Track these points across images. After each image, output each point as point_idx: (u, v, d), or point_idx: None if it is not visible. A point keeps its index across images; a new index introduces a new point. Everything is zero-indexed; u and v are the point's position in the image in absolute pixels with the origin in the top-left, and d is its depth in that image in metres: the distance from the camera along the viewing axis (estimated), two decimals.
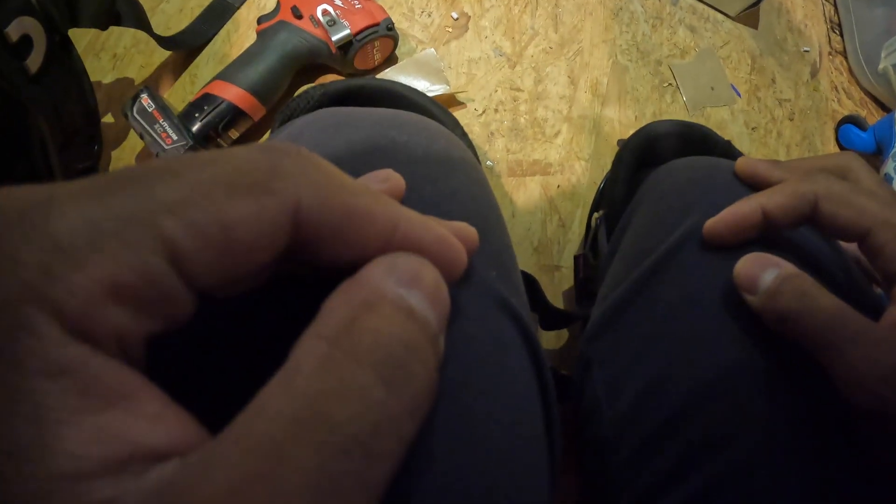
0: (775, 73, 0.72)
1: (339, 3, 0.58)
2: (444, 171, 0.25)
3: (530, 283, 0.50)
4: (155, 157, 0.54)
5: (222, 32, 0.65)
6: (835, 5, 0.83)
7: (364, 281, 0.13)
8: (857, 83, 0.78)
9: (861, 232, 0.23)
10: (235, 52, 0.63)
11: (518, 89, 0.62)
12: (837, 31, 0.83)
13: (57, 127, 0.50)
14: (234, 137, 0.57)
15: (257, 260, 0.13)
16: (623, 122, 0.63)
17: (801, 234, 0.27)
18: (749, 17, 0.74)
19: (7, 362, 0.10)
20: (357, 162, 0.22)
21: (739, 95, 0.69)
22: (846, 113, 0.75)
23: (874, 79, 0.75)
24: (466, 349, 0.19)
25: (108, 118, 0.59)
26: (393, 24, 0.59)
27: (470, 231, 0.18)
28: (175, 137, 0.52)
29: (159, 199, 0.11)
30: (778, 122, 0.69)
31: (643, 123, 0.61)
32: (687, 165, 0.34)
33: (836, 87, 0.76)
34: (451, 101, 0.60)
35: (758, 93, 0.70)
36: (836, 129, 0.72)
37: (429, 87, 0.60)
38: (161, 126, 0.52)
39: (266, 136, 0.60)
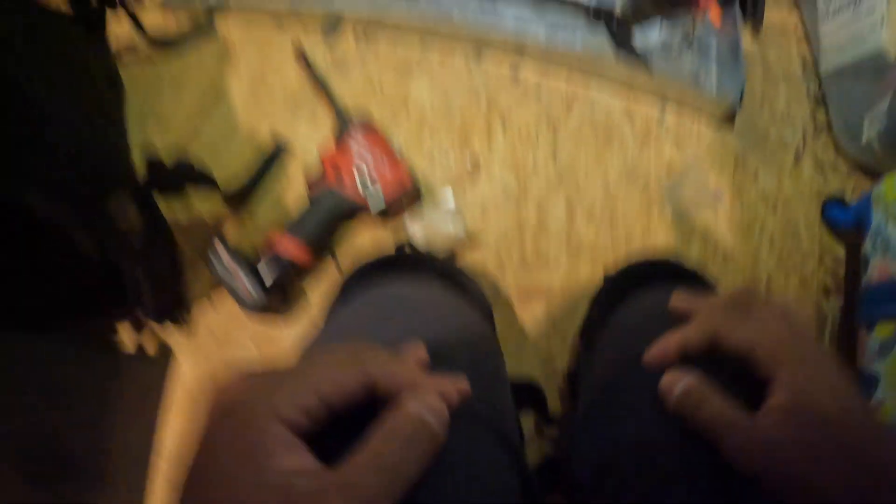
0: (758, 168, 0.81)
1: (373, 172, 0.72)
2: (450, 330, 0.41)
3: (537, 392, 0.64)
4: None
5: (274, 180, 0.80)
6: (819, 81, 0.90)
7: (403, 407, 0.28)
8: (844, 156, 0.85)
9: (743, 353, 0.33)
10: (286, 193, 0.78)
11: (524, 226, 0.75)
12: (823, 107, 0.89)
13: (151, 275, 0.64)
14: (294, 278, 0.72)
15: (355, 394, 0.28)
16: (615, 245, 0.74)
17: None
18: (731, 117, 0.82)
19: (261, 432, 0.25)
20: (400, 338, 0.37)
21: (723, 199, 0.79)
22: (833, 189, 0.83)
23: (859, 151, 0.81)
24: (454, 455, 0.31)
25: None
26: (418, 186, 0.72)
27: (462, 384, 0.32)
28: (251, 289, 0.67)
29: (316, 375, 0.28)
30: (761, 217, 0.78)
31: (632, 244, 0.73)
32: (646, 302, 0.47)
33: (821, 166, 0.84)
34: (469, 240, 0.73)
35: (741, 192, 0.79)
36: (821, 210, 0.81)
37: (450, 229, 0.73)
38: (238, 274, 0.68)
39: (320, 272, 0.75)
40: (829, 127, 0.86)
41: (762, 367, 0.32)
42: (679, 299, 0.41)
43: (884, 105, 0.76)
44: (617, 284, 0.56)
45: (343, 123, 0.76)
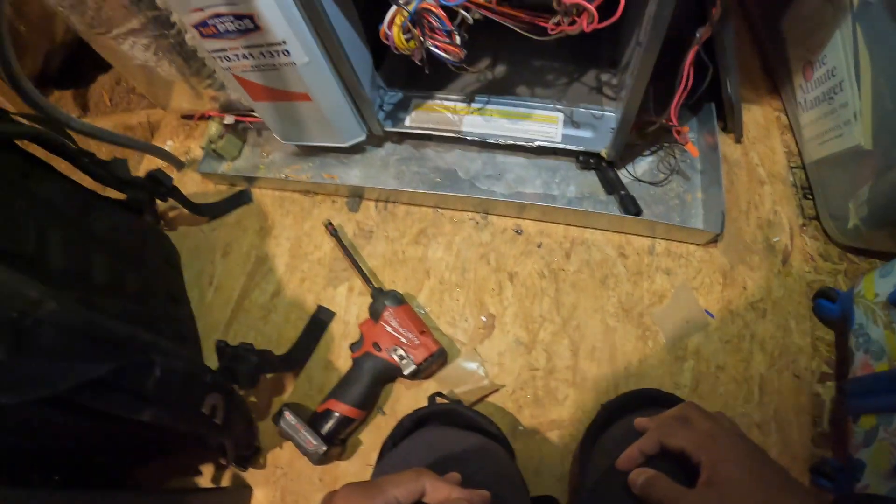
0: (746, 278, 0.90)
1: (405, 341, 0.88)
2: (479, 464, 0.57)
3: (553, 501, 0.80)
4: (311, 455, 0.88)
5: (322, 343, 0.96)
6: (804, 171, 0.96)
7: None
8: (834, 242, 0.90)
9: (679, 450, 0.47)
10: (334, 359, 0.94)
11: (535, 369, 0.88)
12: (810, 197, 0.95)
13: (232, 438, 0.80)
14: (349, 433, 0.89)
15: (415, 499, 0.44)
16: (615, 375, 0.86)
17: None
18: (717, 239, 0.91)
19: None
20: (444, 470, 0.50)
21: (713, 317, 0.88)
22: (825, 277, 0.90)
23: (848, 236, 0.86)
24: None
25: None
26: (443, 350, 0.87)
27: (485, 496, 0.47)
28: (314, 443, 0.83)
29: (394, 485, 0.44)
30: (751, 326, 0.87)
31: (631, 371, 0.85)
32: (618, 430, 0.62)
33: (811, 257, 0.91)
34: (491, 388, 0.88)
35: (730, 306, 0.89)
36: (812, 303, 0.88)
37: (474, 380, 0.88)
38: (303, 435, 0.84)
39: (369, 422, 0.91)
40: (817, 216, 0.93)
41: (693, 457, 0.46)
42: (638, 421, 0.54)
43: (865, 192, 0.81)
44: (607, 413, 0.70)
45: (376, 297, 0.92)
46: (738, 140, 0.99)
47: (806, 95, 0.96)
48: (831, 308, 0.84)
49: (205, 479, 0.91)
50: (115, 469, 0.81)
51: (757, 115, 1.03)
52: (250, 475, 0.91)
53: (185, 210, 1.06)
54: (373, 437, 0.90)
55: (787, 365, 0.85)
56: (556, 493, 0.81)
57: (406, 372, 0.87)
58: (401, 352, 0.87)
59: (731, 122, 0.98)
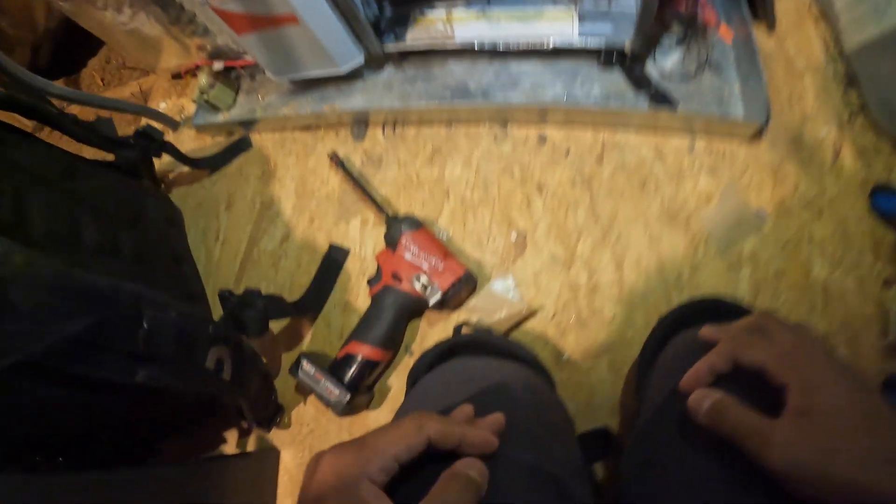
0: (797, 176, 0.80)
1: (427, 268, 0.77)
2: (506, 393, 0.48)
3: (606, 436, 0.71)
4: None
5: (339, 283, 0.86)
6: (846, 60, 0.88)
7: (454, 467, 0.36)
8: (886, 133, 0.82)
9: (758, 367, 0.38)
10: (353, 299, 0.85)
11: (576, 287, 0.78)
12: (854, 87, 0.87)
13: (247, 396, 0.71)
14: (374, 377, 0.79)
15: (420, 452, 0.37)
16: (665, 287, 0.76)
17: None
18: (762, 131, 0.82)
19: (357, 490, 0.34)
20: (458, 401, 0.44)
21: (766, 218, 0.79)
22: (879, 173, 0.81)
23: None
24: (501, 493, 0.38)
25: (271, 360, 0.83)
26: (471, 273, 0.77)
27: (498, 419, 0.41)
28: (336, 392, 0.73)
29: (391, 441, 0.37)
30: (808, 226, 0.78)
31: (682, 282, 0.76)
32: (679, 343, 0.53)
33: (862, 152, 0.82)
34: (528, 312, 0.78)
35: (784, 205, 0.79)
36: (870, 201, 0.80)
37: (509, 306, 0.77)
38: (324, 384, 0.74)
39: (397, 365, 0.81)
40: (865, 108, 0.84)
41: (775, 377, 0.37)
42: (705, 331, 0.46)
43: None
44: (664, 328, 0.61)
45: (390, 224, 0.82)
46: (772, 27, 0.90)
47: None
48: (892, 201, 0.76)
49: (230, 447, 0.83)
50: (129, 447, 0.73)
51: (787, 6, 0.94)
52: (276, 437, 0.83)
53: (185, 169, 1.00)
54: (402, 380, 0.80)
55: (850, 270, 0.76)
56: (612, 425, 0.72)
57: (432, 302, 0.76)
58: (424, 280, 0.76)
59: (762, 9, 0.88)
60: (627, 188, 0.82)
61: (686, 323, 0.57)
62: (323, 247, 0.89)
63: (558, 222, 0.82)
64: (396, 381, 0.81)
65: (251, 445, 0.83)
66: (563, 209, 0.83)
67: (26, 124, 0.89)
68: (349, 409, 0.75)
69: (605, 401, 0.74)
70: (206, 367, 0.62)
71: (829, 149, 0.82)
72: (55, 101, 0.82)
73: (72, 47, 1.33)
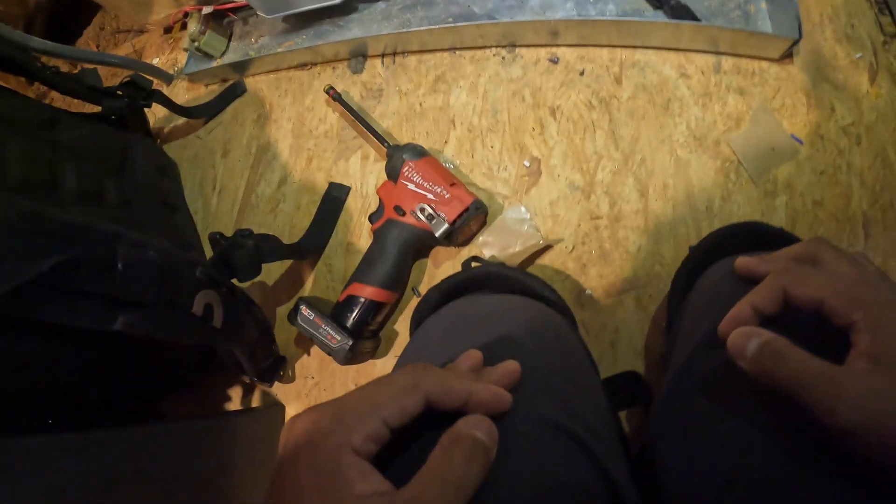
0: (833, 99, 0.73)
1: (432, 198, 0.69)
2: (523, 335, 0.40)
3: (636, 379, 0.63)
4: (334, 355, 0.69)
5: (340, 224, 0.78)
6: None
7: (456, 427, 0.30)
8: None
9: (817, 303, 0.31)
10: (355, 240, 0.76)
11: (597, 217, 0.70)
12: (886, 12, 0.81)
13: (244, 347, 0.65)
14: (379, 321, 0.71)
15: (414, 415, 0.30)
16: (695, 216, 0.69)
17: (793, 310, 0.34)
18: (793, 50, 0.74)
19: (336, 464, 0.27)
20: (465, 346, 0.37)
21: (801, 142, 0.72)
22: None
23: None
24: (514, 459, 0.32)
25: (270, 313, 0.75)
26: (480, 202, 0.69)
27: (512, 369, 0.34)
28: (338, 338, 0.66)
29: (379, 403, 0.29)
30: (846, 154, 0.71)
31: (714, 211, 0.68)
32: (715, 273, 0.45)
33: None
34: (545, 247, 0.70)
35: (819, 130, 0.72)
36: None
37: (523, 238, 0.69)
38: (324, 330, 0.67)
39: (404, 308, 0.73)
40: None
41: (838, 315, 0.30)
42: (743, 262, 0.38)
43: None
44: (698, 257, 0.53)
45: (391, 154, 0.73)
46: None
47: None
48: None
49: (235, 405, 0.78)
50: (125, 406, 0.67)
51: None
52: (280, 391, 0.77)
53: (180, 122, 0.96)
54: (408, 323, 0.72)
55: (892, 201, 0.69)
56: (639, 369, 0.65)
57: (438, 233, 0.68)
58: (429, 210, 0.68)
59: None
60: (650, 110, 0.74)
61: (722, 252, 0.49)
62: (322, 187, 0.81)
63: (575, 148, 0.74)
64: (404, 326, 0.73)
65: (255, 402, 0.77)
66: (580, 133, 0.74)
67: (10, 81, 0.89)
68: (353, 357, 0.67)
69: (632, 342, 0.66)
70: (193, 314, 0.55)
71: (865, 73, 0.75)
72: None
73: (65, 20, 1.30)
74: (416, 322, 0.53)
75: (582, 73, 0.77)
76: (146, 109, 0.87)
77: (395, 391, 0.30)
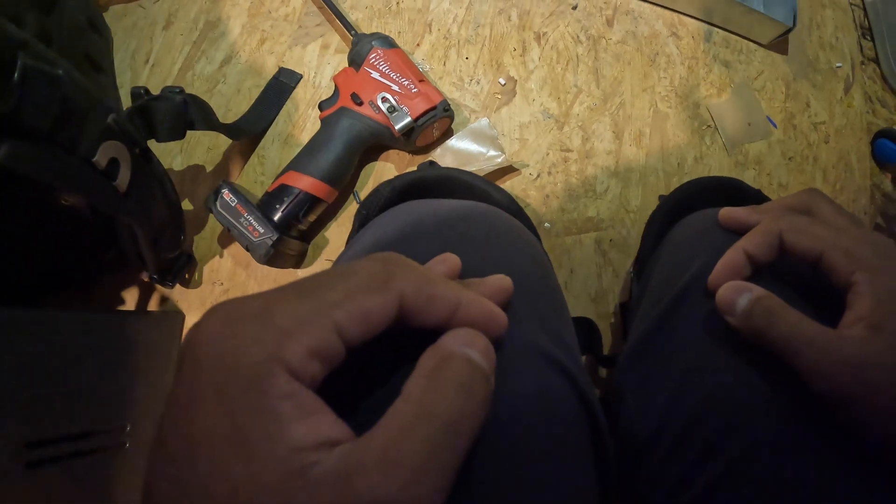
0: (809, 95, 0.73)
1: (397, 90, 0.61)
2: (500, 251, 0.31)
3: (590, 327, 0.56)
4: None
5: (283, 113, 0.68)
6: (864, 10, 0.83)
7: (443, 345, 0.21)
8: (892, 89, 0.78)
9: (815, 255, 0.28)
10: (297, 132, 0.67)
11: (568, 150, 0.65)
12: (868, 38, 0.82)
13: (147, 226, 0.54)
14: (311, 220, 0.61)
15: (381, 326, 0.20)
16: (667, 170, 0.65)
17: (785, 263, 0.31)
18: (781, 42, 0.73)
19: (260, 392, 0.17)
20: (431, 251, 0.28)
21: (775, 126, 0.70)
22: (882, 123, 0.75)
23: None
24: (511, 392, 0.25)
25: (185, 205, 0.64)
26: (448, 104, 0.61)
27: (505, 284, 0.26)
28: (261, 230, 0.56)
29: (331, 300, 0.19)
30: (814, 147, 0.70)
31: (685, 170, 0.65)
32: (696, 219, 0.40)
33: (869, 98, 0.77)
34: (508, 169, 0.64)
35: (793, 120, 0.71)
36: (871, 144, 0.74)
37: (486, 156, 0.63)
38: (246, 220, 0.57)
39: (340, 214, 0.65)
40: (877, 58, 0.80)
41: (837, 273, 0.27)
42: (730, 211, 0.34)
43: None
44: (671, 206, 0.48)
45: (358, 40, 0.65)
46: None
47: None
48: (893, 149, 0.71)
49: (128, 308, 0.65)
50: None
51: None
52: (182, 297, 0.64)
53: None
54: (344, 232, 0.63)
55: (849, 203, 0.70)
56: (591, 315, 0.59)
57: (397, 126, 0.59)
58: (391, 102, 0.60)
59: None
60: (637, 57, 0.70)
61: (698, 203, 0.45)
62: (271, 72, 0.70)
63: (555, 76, 0.68)
64: (337, 235, 0.63)
65: (152, 307, 0.64)
66: (563, 64, 0.69)
67: None
68: (274, 256, 0.57)
69: (587, 286, 0.61)
70: (95, 164, 0.45)
71: (842, 81, 0.76)
72: None
73: None
74: (362, 220, 0.43)
75: (574, 8, 0.72)
76: None
77: (357, 285, 0.20)
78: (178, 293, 0.64)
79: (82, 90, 0.43)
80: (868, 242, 0.27)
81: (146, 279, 0.63)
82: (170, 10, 0.78)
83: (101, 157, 0.45)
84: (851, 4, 0.83)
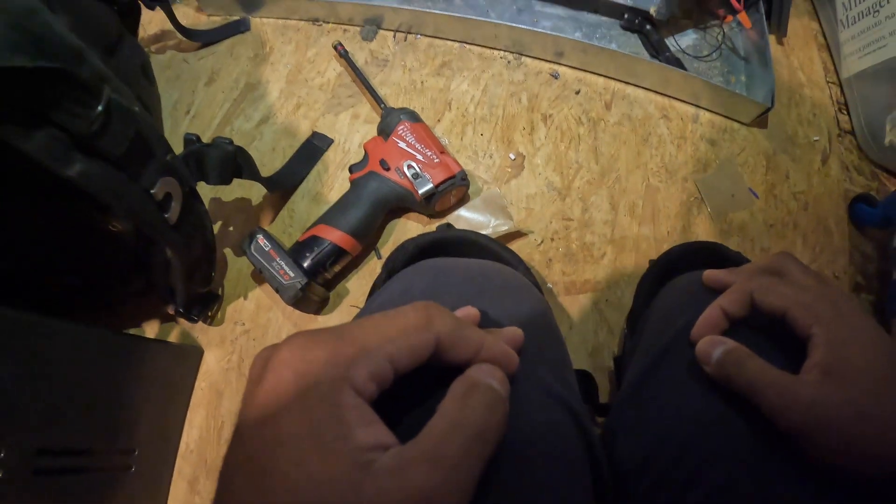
0: (789, 168, 0.80)
1: (421, 159, 0.69)
2: (514, 302, 0.38)
3: (588, 379, 0.61)
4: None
5: (313, 172, 0.76)
6: (840, 86, 0.91)
7: (471, 375, 0.26)
8: (868, 158, 0.83)
9: (781, 311, 0.32)
10: (326, 191, 0.74)
11: (569, 219, 0.72)
12: (845, 112, 0.89)
13: (186, 260, 0.58)
14: (336, 270, 0.68)
15: (422, 359, 0.25)
16: (657, 237, 0.72)
17: (760, 317, 0.35)
18: (762, 120, 0.80)
19: (333, 404, 0.22)
20: (455, 303, 0.33)
21: (757, 197, 0.77)
22: (858, 190, 0.81)
23: (882, 153, 0.79)
24: (524, 421, 0.30)
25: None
26: (465, 174, 0.69)
27: (517, 334, 0.32)
28: (292, 274, 0.63)
29: (386, 336, 0.25)
30: (794, 214, 0.76)
31: (674, 238, 0.72)
32: (683, 281, 0.46)
33: (846, 167, 0.83)
34: (515, 234, 0.71)
35: (774, 190, 0.78)
36: (848, 209, 0.78)
37: (496, 223, 0.71)
38: (278, 264, 0.63)
39: (361, 267, 0.73)
40: (853, 130, 0.86)
41: (799, 326, 0.31)
42: (711, 274, 0.40)
43: None
44: (660, 269, 0.55)
45: (387, 113, 0.73)
46: (784, 35, 0.90)
47: (848, 12, 0.92)
48: (871, 213, 0.77)
49: (147, 335, 0.69)
50: (32, 290, 0.58)
51: (796, 28, 0.94)
52: (202, 333, 0.69)
53: (171, 42, 0.89)
54: (364, 285, 0.70)
55: (828, 263, 0.75)
56: (588, 368, 0.65)
57: (420, 191, 0.67)
58: (416, 169, 0.69)
59: (776, 18, 0.91)
60: (631, 137, 0.78)
61: (684, 266, 0.51)
62: (304, 135, 0.78)
63: (559, 153, 0.76)
64: (357, 286, 0.70)
65: (172, 338, 0.69)
66: (566, 142, 0.77)
67: None
68: (301, 298, 0.64)
69: (585, 342, 0.67)
70: (153, 195, 0.50)
71: (819, 154, 0.82)
72: None
73: None
74: (389, 272, 0.50)
75: (577, 93, 0.81)
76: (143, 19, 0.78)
77: (405, 326, 0.25)
78: (198, 329, 0.69)
79: (151, 128, 0.49)
80: (826, 298, 0.32)
81: (171, 311, 0.67)
82: (213, 68, 0.87)
83: (158, 190, 0.51)
84: (828, 82, 0.90)
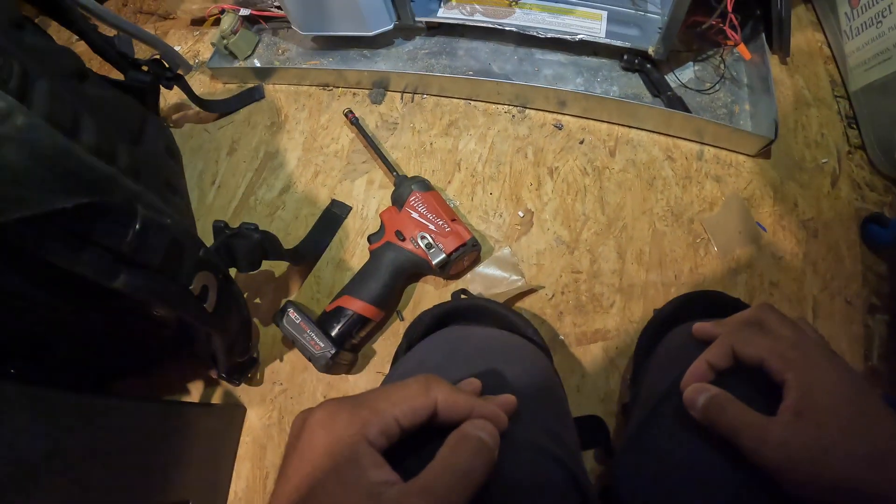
0: (797, 195, 0.80)
1: (433, 228, 0.73)
2: (513, 374, 0.43)
3: (599, 423, 0.66)
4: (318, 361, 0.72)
5: (335, 240, 0.81)
6: (849, 100, 0.90)
7: (463, 428, 0.32)
8: (880, 173, 0.82)
9: (758, 361, 0.36)
10: (348, 258, 0.79)
11: (578, 271, 0.75)
12: (854, 126, 0.88)
13: (224, 337, 0.64)
14: (362, 336, 0.73)
15: (423, 419, 0.32)
16: (665, 282, 0.74)
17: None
18: (768, 149, 0.81)
19: (353, 452, 0.29)
20: (463, 374, 0.40)
21: (765, 230, 0.78)
22: (872, 207, 0.80)
23: (894, 166, 0.79)
24: (514, 479, 0.35)
25: None
26: (476, 240, 0.73)
27: (510, 400, 0.37)
28: (322, 345, 0.68)
29: (393, 401, 0.31)
30: (803, 244, 0.76)
31: (682, 280, 0.75)
32: (678, 333, 0.50)
33: (857, 185, 0.82)
34: (528, 291, 0.75)
35: (782, 221, 0.78)
36: (860, 230, 0.78)
37: (509, 280, 0.75)
38: (309, 335, 0.69)
39: (386, 329, 0.78)
40: (863, 145, 0.85)
41: (774, 373, 0.35)
42: (700, 327, 0.44)
43: None
44: (662, 319, 0.58)
45: (400, 182, 0.78)
46: (787, 56, 0.91)
47: (851, 23, 0.90)
48: (883, 233, 0.77)
49: (193, 398, 0.76)
50: (84, 373, 0.66)
51: (800, 42, 0.95)
52: (244, 393, 0.76)
53: (190, 111, 0.95)
54: (389, 345, 0.75)
55: (840, 290, 0.75)
56: (600, 414, 0.69)
57: (434, 261, 0.72)
58: (429, 239, 0.74)
59: (777, 40, 0.91)
60: (636, 183, 0.80)
61: (684, 316, 0.55)
62: (324, 202, 0.83)
63: (566, 206, 0.79)
64: (383, 347, 0.75)
65: (216, 399, 0.75)
66: (573, 195, 0.80)
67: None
68: (332, 366, 0.69)
69: (596, 389, 0.70)
70: (191, 290, 0.55)
71: (828, 176, 0.83)
72: None
73: None
74: (408, 343, 0.56)
75: (581, 142, 0.84)
76: (162, 92, 0.87)
77: (409, 394, 0.32)
78: (240, 388, 0.76)
79: (182, 231, 0.54)
80: (798, 347, 0.35)
81: (214, 376, 0.74)
82: (233, 137, 0.93)
83: (196, 285, 0.56)
84: (836, 96, 0.90)
